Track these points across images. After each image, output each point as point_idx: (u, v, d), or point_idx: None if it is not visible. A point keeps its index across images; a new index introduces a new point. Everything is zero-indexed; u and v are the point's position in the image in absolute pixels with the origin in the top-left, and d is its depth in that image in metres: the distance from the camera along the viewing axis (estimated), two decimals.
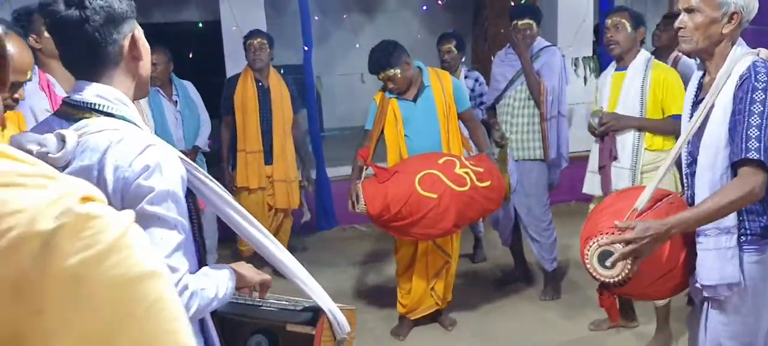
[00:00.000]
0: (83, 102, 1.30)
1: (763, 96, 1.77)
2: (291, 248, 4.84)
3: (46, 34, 2.31)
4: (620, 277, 1.79)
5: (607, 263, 1.79)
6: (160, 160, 1.26)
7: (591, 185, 3.25)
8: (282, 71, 6.61)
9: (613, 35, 3.10)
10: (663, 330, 3.15)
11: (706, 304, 1.99)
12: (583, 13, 5.92)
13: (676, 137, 2.46)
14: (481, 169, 3.17)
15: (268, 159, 4.22)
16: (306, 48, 5.08)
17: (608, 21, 3.15)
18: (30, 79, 1.85)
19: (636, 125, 3.04)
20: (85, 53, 1.30)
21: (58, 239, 0.55)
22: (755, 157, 1.75)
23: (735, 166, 1.82)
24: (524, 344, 3.40)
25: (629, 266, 1.78)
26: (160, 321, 0.60)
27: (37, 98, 2.31)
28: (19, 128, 1.98)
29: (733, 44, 1.89)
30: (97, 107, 1.30)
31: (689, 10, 1.89)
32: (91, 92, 1.30)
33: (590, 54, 6.07)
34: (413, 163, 3.22)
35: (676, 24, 1.95)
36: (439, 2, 5.37)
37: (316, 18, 5.72)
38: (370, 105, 3.53)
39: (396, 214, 3.07)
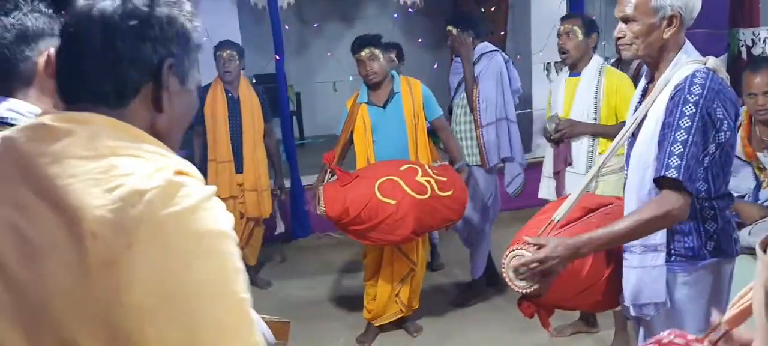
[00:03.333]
0: None
1: (693, 110, 1.66)
2: (267, 258, 4.87)
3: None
4: (532, 290, 1.74)
5: (513, 264, 1.73)
6: None
7: (546, 189, 3.30)
8: (254, 80, 6.65)
9: (565, 43, 3.14)
10: (621, 335, 3.18)
11: (639, 324, 1.94)
12: (555, 18, 5.95)
13: None
14: (444, 179, 3.20)
15: (239, 168, 4.24)
16: (277, 57, 5.10)
17: (560, 28, 3.18)
18: None
19: (590, 131, 3.07)
20: None
21: (154, 196, 0.77)
22: (674, 176, 1.65)
23: (657, 183, 1.72)
24: None
25: (544, 282, 1.72)
26: (225, 270, 0.81)
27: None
28: None
29: (679, 49, 1.78)
30: (8, 121, 1.27)
31: (625, 20, 1.80)
32: (3, 107, 1.28)
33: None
34: (375, 169, 3.27)
35: (615, 33, 1.85)
36: (410, 10, 5.39)
37: (287, 27, 5.74)
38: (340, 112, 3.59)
39: (355, 218, 3.11)
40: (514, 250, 1.77)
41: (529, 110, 6.19)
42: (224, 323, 0.80)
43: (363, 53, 3.34)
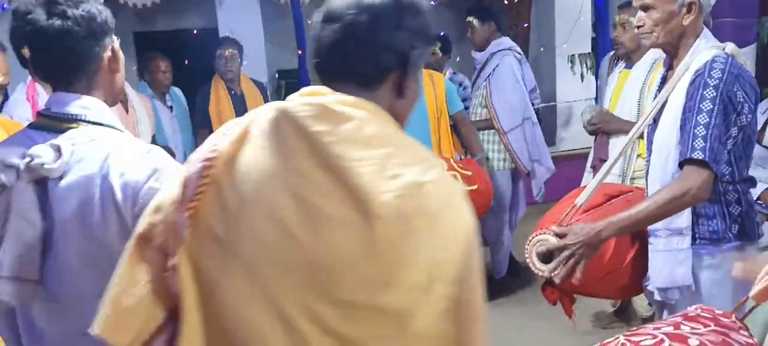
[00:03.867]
0: (67, 114, 1.29)
1: (714, 93, 1.68)
2: None
3: None
4: (557, 274, 1.72)
5: (537, 251, 1.74)
6: (164, 163, 1.27)
7: (585, 180, 3.17)
8: (277, 75, 6.63)
9: (619, 34, 2.99)
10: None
11: (663, 308, 1.94)
12: (580, 9, 5.89)
13: None
14: (469, 173, 3.18)
15: None
16: (300, 52, 5.13)
17: (616, 18, 3.04)
18: (6, 84, 1.91)
19: (626, 129, 2.83)
20: (65, 64, 1.29)
21: (430, 189, 0.89)
22: (699, 157, 1.66)
23: (682, 167, 1.73)
24: (527, 341, 3.39)
25: (568, 267, 1.71)
26: (476, 259, 0.94)
27: (21, 107, 2.39)
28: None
29: (697, 36, 1.80)
30: (83, 118, 1.29)
31: (645, 8, 1.83)
32: (75, 104, 1.29)
33: (588, 51, 6.04)
34: None
35: (635, 22, 1.89)
36: (433, 1, 5.37)
37: (310, 22, 5.75)
38: None
39: None
40: (537, 235, 1.78)
41: (552, 104, 6.13)
42: (476, 306, 0.93)
43: None
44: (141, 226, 0.97)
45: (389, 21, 0.97)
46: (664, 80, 1.96)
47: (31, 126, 1.33)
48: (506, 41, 3.81)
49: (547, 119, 6.29)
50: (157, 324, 0.93)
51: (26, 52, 2.37)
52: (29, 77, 2.46)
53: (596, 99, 4.20)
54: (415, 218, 0.88)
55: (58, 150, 1.22)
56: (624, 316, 3.36)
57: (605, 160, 2.92)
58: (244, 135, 0.97)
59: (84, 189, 1.22)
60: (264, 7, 5.65)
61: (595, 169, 3.09)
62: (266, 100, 4.31)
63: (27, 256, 1.23)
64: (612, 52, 4.14)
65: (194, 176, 0.93)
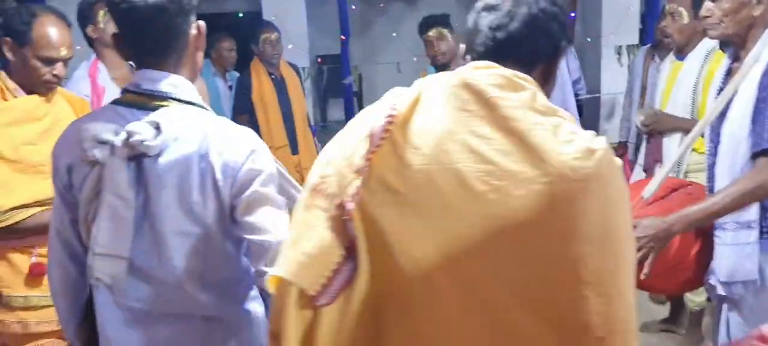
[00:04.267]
0: (158, 91, 1.29)
1: None
2: None
3: (101, 25, 2.44)
4: None
5: None
6: (260, 144, 1.30)
7: (635, 178, 3.06)
8: (319, 61, 6.63)
9: (668, 25, 2.87)
10: (694, 333, 3.04)
11: (724, 303, 1.90)
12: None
13: None
14: None
15: (294, 149, 4.18)
16: (343, 38, 5.12)
17: (666, 8, 2.93)
18: (70, 57, 1.95)
19: (681, 126, 2.75)
20: (159, 42, 1.28)
21: (601, 155, 0.98)
22: None
23: (755, 158, 1.70)
24: None
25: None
26: (630, 219, 1.06)
27: (82, 84, 2.43)
28: (79, 114, 2.08)
29: (765, 27, 1.77)
30: (173, 95, 1.29)
31: None
32: (165, 82, 1.29)
33: (636, 42, 5.88)
34: None
35: (702, 12, 1.85)
36: None
37: (353, 7, 5.74)
38: None
39: None
40: None
41: (597, 95, 6.00)
42: (630, 260, 1.04)
43: (431, 33, 3.29)
44: (313, 178, 1.06)
45: (550, 11, 1.11)
46: (729, 72, 1.91)
47: (117, 102, 1.33)
48: None
49: (591, 111, 6.16)
50: (334, 267, 1.00)
51: (90, 31, 2.44)
52: (93, 55, 2.52)
53: (628, 92, 4.04)
54: (590, 179, 0.97)
55: (157, 127, 1.22)
56: (675, 321, 3.24)
57: (659, 161, 2.87)
58: (417, 101, 1.06)
59: (183, 167, 1.24)
60: None
61: (647, 171, 3.00)
62: (302, 84, 4.27)
63: (120, 232, 1.23)
64: (649, 45, 4.01)
65: (378, 131, 1.02)
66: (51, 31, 1.86)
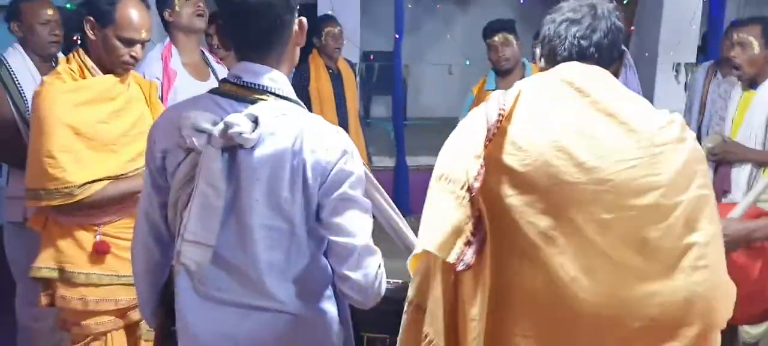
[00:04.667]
0: (258, 84, 1.28)
1: None
2: None
3: (177, 9, 2.50)
4: None
5: None
6: (352, 145, 1.29)
7: None
8: (371, 57, 6.60)
9: (737, 55, 2.69)
10: None
11: None
12: (690, 16, 5.59)
13: None
14: None
15: None
16: (396, 36, 5.10)
17: (734, 36, 2.73)
18: (148, 40, 1.97)
19: (752, 158, 2.65)
20: (264, 36, 1.28)
21: (674, 128, 1.28)
22: None
23: None
24: None
25: None
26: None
27: (154, 66, 2.46)
28: (149, 96, 2.10)
29: None
30: (272, 90, 1.29)
31: None
32: (267, 76, 1.29)
33: (693, 61, 5.73)
34: None
35: None
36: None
37: (410, 6, 5.71)
38: (465, 96, 3.53)
39: None
40: None
41: None
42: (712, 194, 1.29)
43: (496, 38, 3.26)
44: (440, 169, 1.30)
45: (618, 26, 1.39)
46: None
47: (215, 92, 1.33)
48: None
49: None
50: (467, 239, 1.22)
51: (166, 15, 2.46)
52: (167, 38, 2.56)
53: (686, 109, 3.93)
54: (671, 143, 1.24)
55: (255, 121, 1.22)
56: None
57: (728, 191, 2.75)
58: (519, 96, 1.30)
59: (276, 162, 1.23)
60: None
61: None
62: (356, 81, 4.25)
63: (209, 221, 1.23)
64: (711, 61, 3.86)
65: (493, 124, 1.25)
66: (133, 13, 1.88)
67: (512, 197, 1.24)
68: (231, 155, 1.24)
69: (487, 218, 1.23)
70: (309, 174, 1.24)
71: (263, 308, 1.32)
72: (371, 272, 1.29)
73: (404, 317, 1.35)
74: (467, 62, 5.29)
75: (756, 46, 2.64)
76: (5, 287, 2.72)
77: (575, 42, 1.35)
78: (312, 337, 1.37)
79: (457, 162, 1.25)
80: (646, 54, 5.83)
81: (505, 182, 1.25)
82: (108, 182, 1.86)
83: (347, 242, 1.26)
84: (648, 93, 5.87)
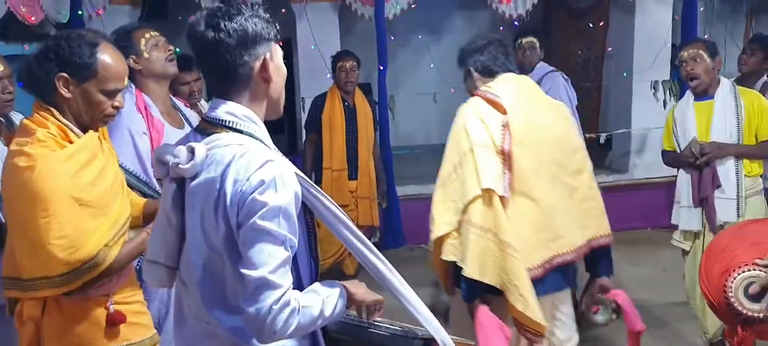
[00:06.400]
0: (215, 118, 1.36)
1: None
2: (361, 268, 4.80)
3: (145, 55, 2.35)
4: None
5: (750, 291, 1.68)
6: (276, 176, 1.27)
7: (686, 219, 3.11)
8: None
9: (693, 68, 3.03)
10: None
11: None
12: (662, 35, 5.77)
13: None
14: None
15: (352, 175, 4.27)
16: (381, 67, 5.12)
17: (684, 53, 3.07)
18: (127, 88, 1.91)
19: (736, 152, 3.00)
20: (219, 73, 1.37)
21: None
22: None
23: None
24: None
25: None
26: None
27: (135, 120, 2.30)
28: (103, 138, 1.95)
29: None
30: (226, 123, 1.36)
31: None
32: (223, 110, 1.37)
33: (667, 78, 5.91)
34: None
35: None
36: (516, 22, 5.32)
37: (393, 39, 5.76)
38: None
39: None
40: (742, 273, 1.72)
41: (627, 130, 6.00)
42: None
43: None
44: (476, 137, 2.22)
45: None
46: None
47: (193, 128, 1.47)
48: (549, 66, 4.00)
49: (621, 146, 6.16)
50: (504, 175, 2.19)
51: (132, 62, 2.28)
52: (132, 87, 2.37)
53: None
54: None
55: (191, 152, 1.30)
56: None
57: (719, 186, 2.99)
58: (509, 94, 2.28)
59: (206, 192, 1.31)
60: (343, 21, 5.68)
61: (705, 201, 3.03)
62: (374, 117, 4.41)
63: (164, 243, 1.42)
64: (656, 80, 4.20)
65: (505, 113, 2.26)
66: (114, 62, 1.74)
67: (520, 153, 2.18)
68: (178, 186, 1.37)
69: (511, 163, 2.18)
70: (228, 201, 1.27)
71: (218, 336, 1.37)
72: (264, 306, 1.24)
73: (474, 238, 2.15)
74: (452, 90, 5.34)
75: (706, 58, 3.00)
76: None
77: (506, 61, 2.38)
78: None
79: (489, 134, 2.20)
80: (625, 74, 5.98)
81: (517, 145, 2.18)
82: (118, 245, 1.75)
83: (246, 273, 1.26)
84: (625, 112, 6.01)
